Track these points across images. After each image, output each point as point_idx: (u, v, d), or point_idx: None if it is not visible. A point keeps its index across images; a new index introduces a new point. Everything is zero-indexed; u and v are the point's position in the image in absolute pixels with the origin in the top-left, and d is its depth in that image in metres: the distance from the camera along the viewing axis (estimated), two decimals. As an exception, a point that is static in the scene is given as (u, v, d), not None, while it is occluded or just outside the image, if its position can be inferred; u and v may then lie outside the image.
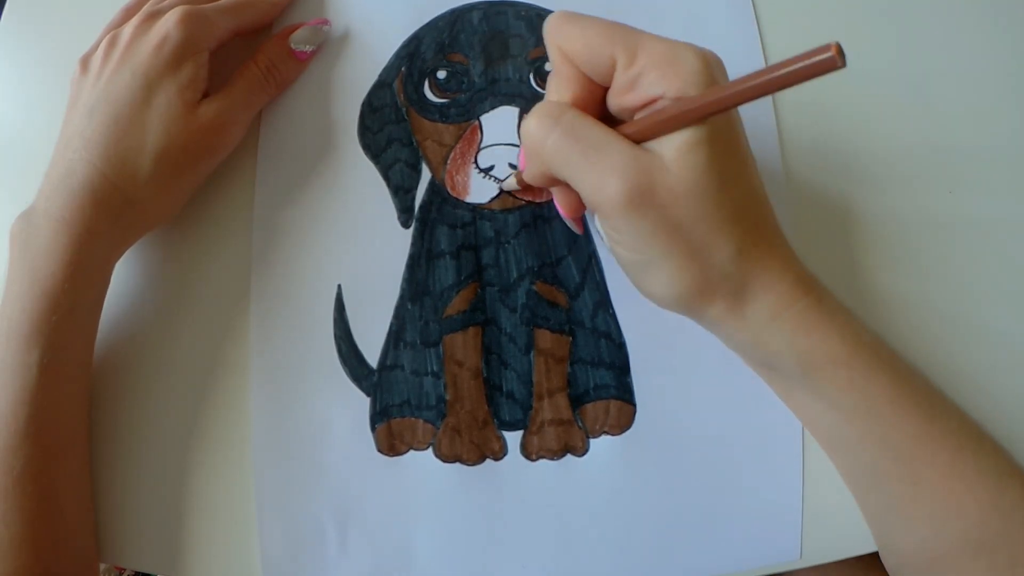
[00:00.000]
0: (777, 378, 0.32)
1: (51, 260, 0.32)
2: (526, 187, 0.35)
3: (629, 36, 0.27)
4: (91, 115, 0.33)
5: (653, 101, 0.27)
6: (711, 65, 0.27)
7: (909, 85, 0.38)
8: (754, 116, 0.38)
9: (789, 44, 0.38)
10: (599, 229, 0.31)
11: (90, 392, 0.35)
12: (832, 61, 0.21)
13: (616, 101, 0.29)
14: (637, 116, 0.28)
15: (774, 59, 0.38)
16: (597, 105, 0.29)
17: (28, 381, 0.31)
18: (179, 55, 0.34)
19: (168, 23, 0.34)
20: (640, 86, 0.27)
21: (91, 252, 0.33)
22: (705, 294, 0.29)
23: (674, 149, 0.26)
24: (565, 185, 0.30)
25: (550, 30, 0.29)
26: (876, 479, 0.31)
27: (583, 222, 0.34)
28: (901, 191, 0.37)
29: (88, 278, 0.33)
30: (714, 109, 0.25)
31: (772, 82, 0.23)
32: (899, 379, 0.29)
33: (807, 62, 0.22)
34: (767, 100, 0.38)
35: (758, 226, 0.29)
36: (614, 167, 0.27)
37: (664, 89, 0.26)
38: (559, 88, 0.29)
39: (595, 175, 0.27)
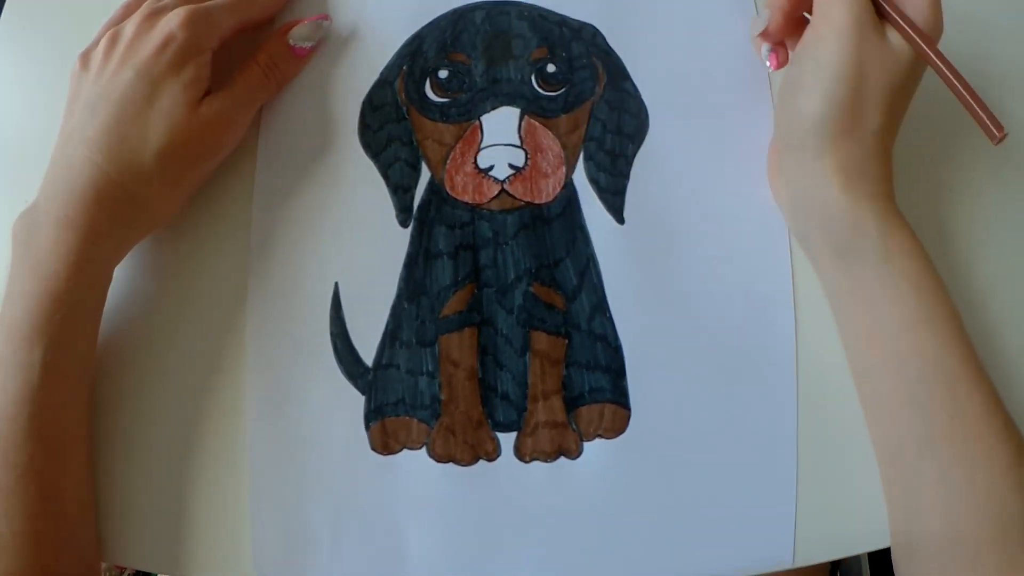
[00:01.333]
0: (847, 265, 0.33)
1: (55, 260, 0.32)
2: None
3: None
4: (93, 113, 0.33)
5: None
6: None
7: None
8: (754, 118, 0.38)
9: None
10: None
11: (92, 390, 0.35)
12: (992, 133, 0.30)
13: None
14: None
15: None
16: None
17: (31, 379, 0.31)
18: (183, 55, 0.34)
19: (172, 23, 0.34)
20: None
21: (95, 252, 0.33)
22: (849, 133, 0.32)
23: (899, 40, 0.32)
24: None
25: None
26: (920, 406, 0.31)
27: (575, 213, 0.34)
28: (901, 191, 0.37)
29: (91, 278, 0.33)
30: (935, 59, 0.31)
31: (963, 88, 0.31)
32: (948, 298, 0.32)
33: (984, 112, 0.30)
34: (767, 98, 0.38)
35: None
36: (865, 5, 0.32)
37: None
38: None
39: None
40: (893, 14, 0.32)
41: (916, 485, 0.32)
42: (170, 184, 0.34)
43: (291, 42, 0.38)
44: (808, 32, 0.33)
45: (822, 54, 0.32)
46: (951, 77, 0.31)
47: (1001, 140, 0.30)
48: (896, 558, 0.33)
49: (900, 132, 0.34)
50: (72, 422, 0.33)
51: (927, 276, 0.32)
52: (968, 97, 0.30)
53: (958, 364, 0.31)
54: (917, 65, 0.32)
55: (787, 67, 0.35)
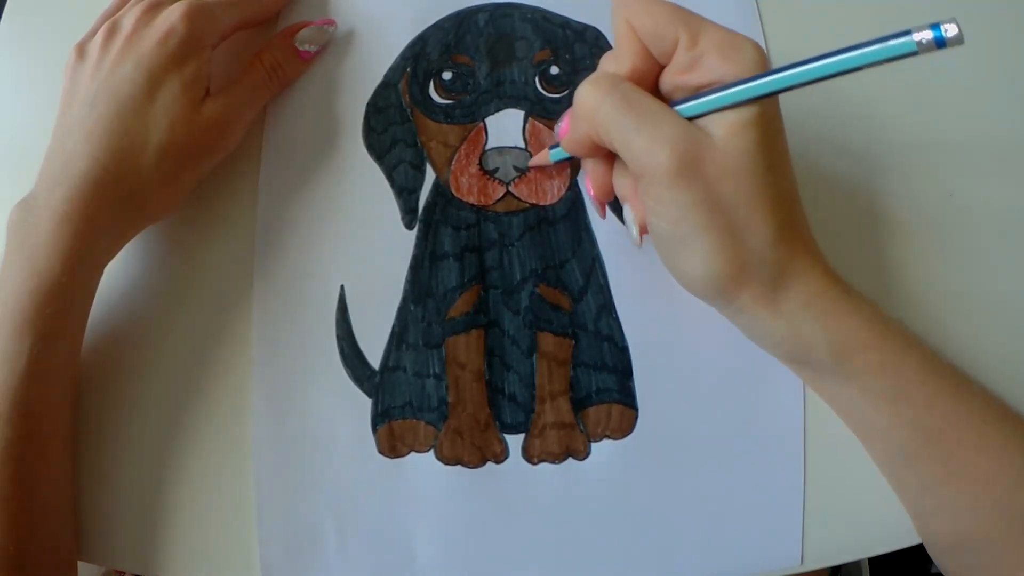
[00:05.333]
0: (808, 372, 0.33)
1: (51, 254, 0.32)
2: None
3: (693, 19, 0.29)
4: (92, 106, 0.33)
5: (710, 84, 0.28)
6: (765, 57, 0.28)
7: (911, 85, 0.38)
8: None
9: (794, 48, 0.38)
10: (629, 218, 0.32)
11: (77, 382, 0.35)
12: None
13: (672, 80, 0.30)
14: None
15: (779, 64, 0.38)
16: (650, 85, 0.30)
17: (17, 369, 0.31)
18: (184, 50, 0.34)
19: (173, 16, 0.34)
20: (700, 67, 0.28)
21: (91, 247, 0.33)
22: (740, 277, 0.29)
23: (725, 127, 0.28)
24: (604, 157, 0.32)
25: (620, 3, 0.30)
26: (909, 462, 0.31)
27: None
28: (901, 193, 0.37)
29: (86, 273, 0.33)
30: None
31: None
32: (926, 361, 0.30)
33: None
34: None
35: (793, 217, 0.30)
36: (666, 135, 0.28)
37: (723, 72, 0.28)
38: (620, 58, 0.30)
39: (646, 141, 0.28)
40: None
41: (925, 513, 0.32)
42: (169, 181, 0.34)
43: (297, 45, 0.38)
44: (640, 189, 0.30)
45: (664, 210, 0.29)
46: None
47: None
48: (927, 550, 0.33)
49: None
50: (54, 412, 0.33)
51: (888, 359, 0.30)
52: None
53: (940, 420, 0.30)
54: (767, 119, 0.28)
55: (650, 224, 0.30)
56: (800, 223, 0.31)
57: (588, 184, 0.34)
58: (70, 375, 0.34)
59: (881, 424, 0.31)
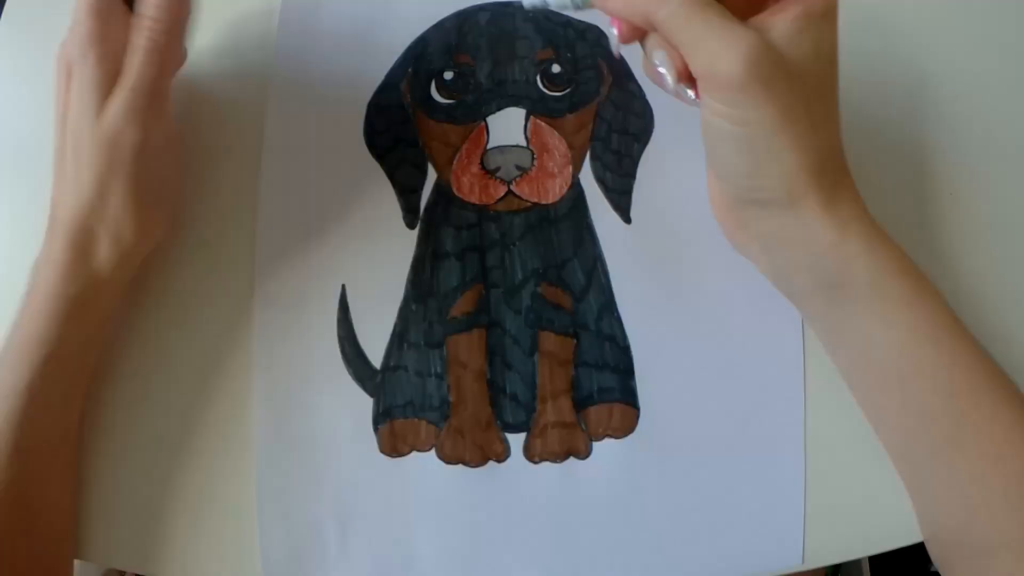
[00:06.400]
0: (837, 302, 0.31)
1: (58, 308, 0.32)
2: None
3: None
4: (63, 152, 0.33)
5: None
6: None
7: (911, 84, 0.39)
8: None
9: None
10: (663, 61, 0.29)
11: (82, 415, 0.35)
12: None
13: None
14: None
15: None
16: None
17: (16, 405, 0.31)
18: (104, 82, 0.32)
19: (72, 53, 0.32)
20: None
21: (95, 293, 0.33)
22: (812, 176, 0.28)
23: (789, 24, 0.27)
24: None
25: None
26: (923, 421, 0.30)
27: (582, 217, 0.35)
28: (901, 192, 0.37)
29: (92, 329, 0.34)
30: None
31: None
32: (947, 308, 0.30)
33: None
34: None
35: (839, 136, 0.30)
36: (738, 37, 0.26)
37: None
38: None
39: (718, 43, 0.27)
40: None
41: (931, 486, 0.31)
42: (133, 207, 0.33)
43: None
44: (703, 89, 0.28)
45: (735, 113, 0.28)
46: None
47: None
48: (928, 549, 0.33)
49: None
50: (57, 448, 0.34)
51: (920, 292, 0.30)
52: None
53: (961, 373, 0.29)
54: (822, 27, 0.28)
55: (709, 120, 0.29)
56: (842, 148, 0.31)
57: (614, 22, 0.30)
58: (74, 409, 0.35)
59: (904, 370, 0.30)
